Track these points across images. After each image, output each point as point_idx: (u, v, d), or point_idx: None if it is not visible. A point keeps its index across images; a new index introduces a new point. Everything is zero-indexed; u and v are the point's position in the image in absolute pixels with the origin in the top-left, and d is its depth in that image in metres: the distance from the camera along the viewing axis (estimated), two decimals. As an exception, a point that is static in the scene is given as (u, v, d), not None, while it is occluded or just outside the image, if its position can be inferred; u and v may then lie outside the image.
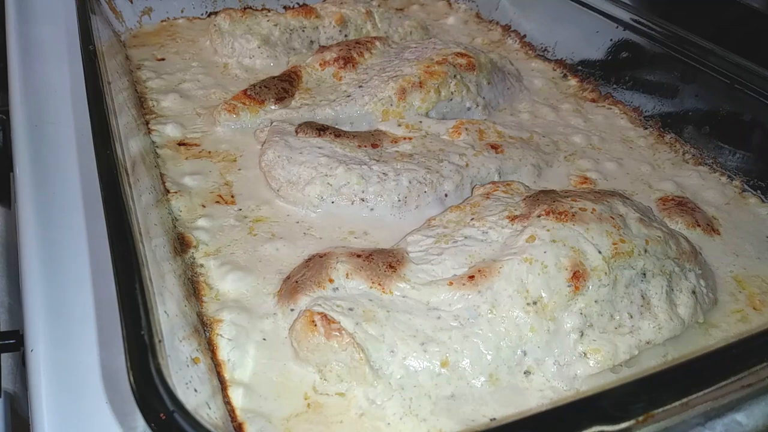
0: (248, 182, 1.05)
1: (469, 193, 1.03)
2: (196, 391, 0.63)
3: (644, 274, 0.82)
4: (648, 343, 0.79)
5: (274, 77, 1.27)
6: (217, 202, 1.00)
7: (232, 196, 1.01)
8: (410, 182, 1.01)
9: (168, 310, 0.67)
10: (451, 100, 1.22)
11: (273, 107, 1.19)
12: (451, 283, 0.79)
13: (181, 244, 0.91)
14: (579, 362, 0.77)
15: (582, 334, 0.77)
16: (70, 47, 1.43)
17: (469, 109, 1.25)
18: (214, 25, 1.42)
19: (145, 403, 0.52)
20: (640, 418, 0.53)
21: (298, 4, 1.62)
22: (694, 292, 0.85)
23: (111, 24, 1.38)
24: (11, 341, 1.11)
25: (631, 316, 0.80)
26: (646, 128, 1.27)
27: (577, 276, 0.78)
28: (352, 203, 0.99)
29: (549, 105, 1.33)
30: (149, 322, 0.58)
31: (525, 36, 1.56)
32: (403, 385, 0.73)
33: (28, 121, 1.23)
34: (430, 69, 1.22)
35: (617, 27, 1.33)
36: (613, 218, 0.85)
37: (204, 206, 0.99)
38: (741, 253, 0.98)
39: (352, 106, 1.19)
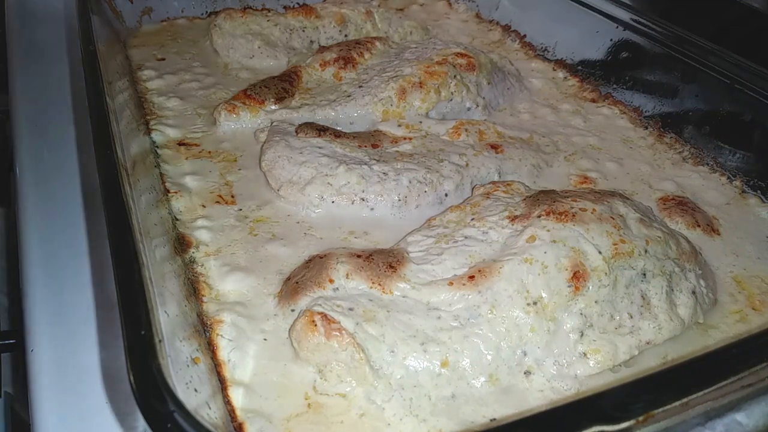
0: (248, 182, 1.05)
1: (469, 193, 1.03)
2: (196, 391, 0.63)
3: (644, 275, 0.82)
4: (648, 343, 0.80)
5: (274, 77, 1.27)
6: (218, 202, 1.00)
7: (233, 196, 1.01)
8: (410, 182, 1.01)
9: (168, 311, 0.67)
10: (451, 100, 1.22)
11: (273, 107, 1.19)
12: (451, 284, 0.79)
13: (181, 244, 0.91)
14: (579, 362, 0.77)
15: (582, 335, 0.77)
16: (70, 47, 1.43)
17: (469, 109, 1.25)
18: (215, 25, 1.42)
19: (146, 403, 0.52)
20: (640, 418, 0.53)
21: (298, 4, 1.62)
22: (694, 293, 0.85)
23: (111, 24, 1.38)
24: (11, 341, 1.11)
25: (631, 317, 0.80)
26: (646, 128, 1.27)
27: (578, 276, 0.78)
28: (353, 203, 0.99)
29: (549, 105, 1.33)
30: (149, 322, 0.58)
31: (525, 36, 1.56)
32: (403, 386, 0.73)
33: (28, 121, 1.23)
34: (430, 69, 1.22)
35: (617, 27, 1.33)
36: (613, 218, 0.85)
37: (204, 206, 0.99)
38: (741, 254, 0.98)
39: (352, 106, 1.19)
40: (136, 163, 0.89)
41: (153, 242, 0.76)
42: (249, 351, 0.77)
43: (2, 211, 1.63)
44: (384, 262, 0.83)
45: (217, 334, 0.78)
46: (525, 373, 0.76)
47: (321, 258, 0.85)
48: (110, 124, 0.84)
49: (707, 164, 1.17)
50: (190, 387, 0.61)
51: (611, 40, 1.34)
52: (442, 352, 0.75)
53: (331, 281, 0.80)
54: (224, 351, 0.76)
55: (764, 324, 0.87)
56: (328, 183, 0.99)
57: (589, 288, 0.78)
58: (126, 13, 1.44)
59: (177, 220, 0.95)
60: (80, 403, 0.77)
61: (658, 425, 0.54)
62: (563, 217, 0.83)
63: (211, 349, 0.76)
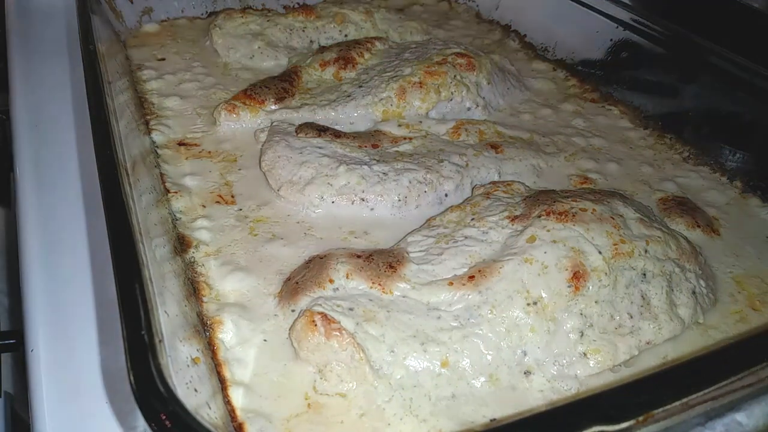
0: (248, 182, 1.05)
1: (469, 193, 1.03)
2: (196, 391, 0.63)
3: (644, 275, 0.82)
4: (648, 343, 0.80)
5: (274, 77, 1.27)
6: (218, 202, 1.00)
7: (233, 196, 1.01)
8: (410, 182, 1.01)
9: (168, 311, 0.67)
10: (451, 100, 1.22)
11: (273, 107, 1.19)
12: (451, 284, 0.79)
13: (181, 244, 0.91)
14: (579, 362, 0.77)
15: (582, 335, 0.77)
16: (70, 47, 1.43)
17: (469, 109, 1.25)
18: (214, 25, 1.42)
19: (146, 403, 0.52)
20: (640, 418, 0.53)
21: (298, 4, 1.62)
22: (694, 293, 0.85)
23: (111, 24, 1.38)
24: (11, 341, 1.11)
25: (631, 317, 0.80)
26: (647, 128, 1.27)
27: (578, 276, 0.78)
28: (353, 203, 0.99)
29: (549, 105, 1.33)
30: (149, 322, 0.58)
31: (525, 36, 1.56)
32: (403, 386, 0.73)
33: (28, 121, 1.23)
34: (430, 69, 1.22)
35: (617, 27, 1.33)
36: (613, 218, 0.85)
37: (204, 206, 0.99)
38: (741, 254, 0.98)
39: (352, 106, 1.19)
40: (136, 163, 0.89)
41: (153, 242, 0.76)
42: (249, 351, 0.77)
43: (2, 211, 1.63)
44: (384, 262, 0.83)
45: (217, 335, 0.78)
46: (525, 373, 0.76)
47: (321, 258, 0.85)
48: (110, 124, 0.84)
49: (708, 164, 1.17)
50: (190, 387, 0.61)
51: (611, 40, 1.34)
52: (442, 352, 0.75)
53: (331, 281, 0.80)
54: (224, 351, 0.76)
55: (764, 324, 0.87)
56: (328, 183, 0.99)
57: (589, 288, 0.78)
58: (126, 13, 1.44)
59: (177, 220, 0.95)
60: (80, 403, 0.77)
61: (658, 425, 0.54)
62: (563, 217, 0.83)
63: (211, 349, 0.76)
